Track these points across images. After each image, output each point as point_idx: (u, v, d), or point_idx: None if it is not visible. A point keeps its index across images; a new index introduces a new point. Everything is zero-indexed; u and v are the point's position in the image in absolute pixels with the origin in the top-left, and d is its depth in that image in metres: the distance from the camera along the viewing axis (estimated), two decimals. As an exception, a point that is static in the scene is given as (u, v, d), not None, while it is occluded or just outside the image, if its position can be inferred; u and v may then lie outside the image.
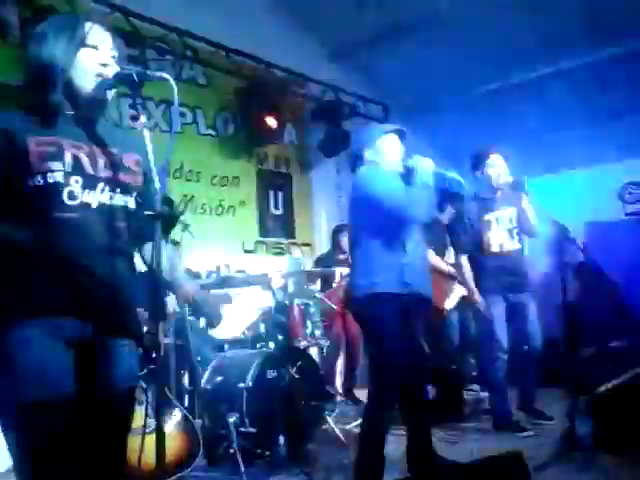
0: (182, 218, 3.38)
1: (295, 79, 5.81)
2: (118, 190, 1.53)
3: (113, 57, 1.57)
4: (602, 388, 3.47)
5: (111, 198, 1.52)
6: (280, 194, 6.09)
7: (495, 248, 3.91)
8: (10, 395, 1.36)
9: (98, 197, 1.49)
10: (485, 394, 4.46)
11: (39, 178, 1.41)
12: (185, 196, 5.00)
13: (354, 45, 5.99)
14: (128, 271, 1.56)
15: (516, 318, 3.91)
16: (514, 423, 3.83)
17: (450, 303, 4.89)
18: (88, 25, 1.55)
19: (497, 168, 3.89)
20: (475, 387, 4.96)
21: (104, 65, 1.53)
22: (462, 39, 5.34)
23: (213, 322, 3.98)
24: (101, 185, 1.50)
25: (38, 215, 1.42)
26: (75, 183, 1.45)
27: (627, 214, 6.14)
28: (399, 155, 2.92)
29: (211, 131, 5.45)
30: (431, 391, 3.99)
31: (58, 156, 1.44)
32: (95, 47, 1.54)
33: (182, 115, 5.10)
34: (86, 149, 1.50)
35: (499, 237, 3.92)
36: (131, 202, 1.56)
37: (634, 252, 5.73)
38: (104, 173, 1.51)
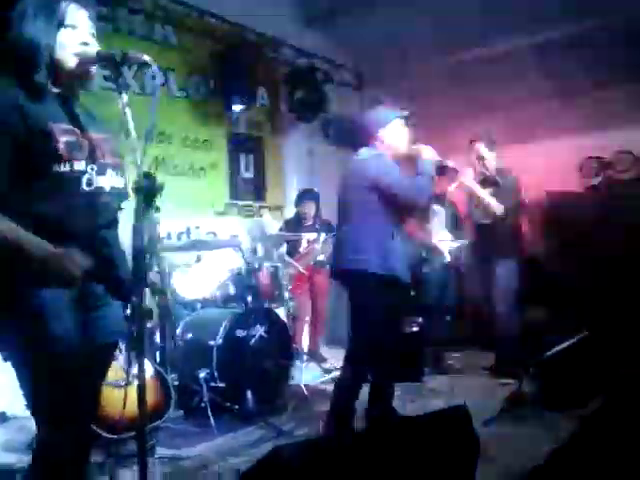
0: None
1: (268, 43, 5.81)
2: (119, 174, 1.70)
3: (92, 34, 1.65)
4: (550, 351, 3.73)
5: (115, 181, 1.69)
6: (251, 157, 6.13)
7: (475, 218, 4.51)
8: (30, 343, 1.54)
9: (108, 181, 1.65)
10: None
11: (66, 165, 1.54)
12: (156, 158, 5.03)
13: (329, 10, 5.99)
14: (117, 239, 1.74)
15: (486, 281, 4.40)
16: None
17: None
18: (65, 4, 1.62)
19: (480, 155, 4.40)
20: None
21: (85, 44, 1.61)
22: (437, 6, 5.41)
23: None
24: (109, 171, 1.66)
25: (60, 198, 1.56)
26: (91, 170, 1.60)
27: (586, 188, 6.38)
28: (406, 140, 3.10)
29: (183, 93, 5.44)
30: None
31: (80, 146, 1.58)
32: (74, 27, 1.61)
33: (153, 77, 5.08)
34: (95, 138, 1.64)
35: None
36: (123, 182, 1.73)
37: (587, 223, 6.00)
38: (110, 159, 1.67)
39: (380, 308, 2.93)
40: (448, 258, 5.24)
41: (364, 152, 3.07)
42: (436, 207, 5.40)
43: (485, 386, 4.15)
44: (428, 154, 3.02)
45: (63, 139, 1.53)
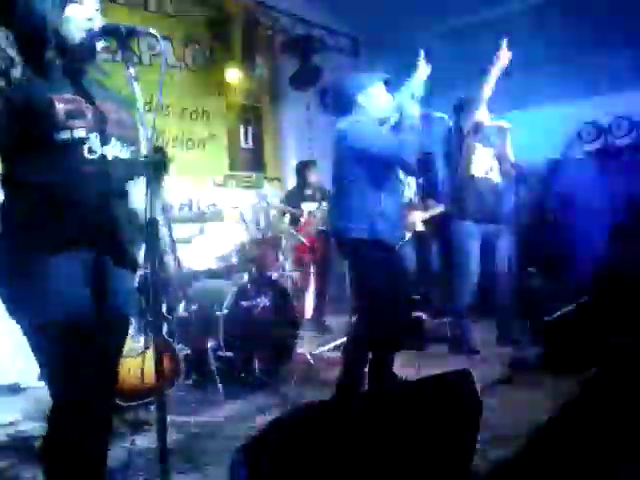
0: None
1: (265, 11, 5.74)
2: (125, 144, 1.71)
3: (97, 10, 1.66)
4: (550, 316, 3.78)
5: (120, 151, 1.69)
6: (250, 128, 6.12)
7: (480, 172, 4.16)
8: (42, 313, 1.56)
9: (111, 150, 1.66)
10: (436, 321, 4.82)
11: (67, 133, 1.56)
12: (155, 129, 5.00)
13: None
14: (127, 212, 1.75)
15: (490, 248, 4.19)
16: (470, 346, 4.16)
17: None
18: None
19: (481, 113, 4.10)
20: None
21: (90, 20, 1.62)
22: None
23: None
24: (113, 140, 1.67)
25: (63, 165, 1.58)
26: (95, 138, 1.62)
27: (585, 153, 6.39)
28: (388, 103, 3.04)
29: (180, 63, 5.40)
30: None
31: (81, 114, 1.59)
32: (80, 2, 1.62)
33: (150, 47, 5.01)
34: (102, 108, 1.65)
35: (484, 163, 4.17)
36: (132, 154, 1.74)
37: (588, 189, 6.04)
38: (115, 129, 1.68)
39: (373, 272, 2.95)
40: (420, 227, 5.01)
41: (343, 120, 3.04)
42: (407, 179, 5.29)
43: (485, 352, 4.20)
44: (410, 109, 2.91)
45: (62, 107, 1.55)
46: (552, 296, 4.75)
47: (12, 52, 1.40)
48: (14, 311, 1.60)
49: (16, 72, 1.39)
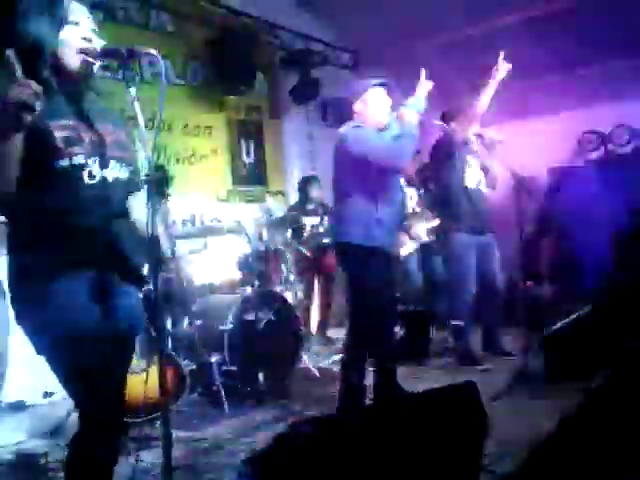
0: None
1: (265, 27, 5.79)
2: (124, 165, 1.72)
3: (94, 31, 1.67)
4: (554, 326, 3.76)
5: (119, 172, 1.71)
6: (252, 142, 6.14)
7: (472, 184, 4.19)
8: (54, 332, 1.58)
9: (111, 173, 1.68)
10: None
11: (66, 161, 1.58)
12: (157, 146, 5.03)
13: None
14: (130, 230, 1.76)
15: (484, 259, 4.19)
16: (475, 358, 4.15)
17: (405, 251, 5.01)
18: (67, 1, 1.64)
19: (469, 123, 4.08)
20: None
21: (87, 40, 1.64)
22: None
23: None
24: (112, 163, 1.68)
25: (64, 191, 1.60)
26: (94, 163, 1.63)
27: (586, 161, 6.40)
28: (386, 107, 3.07)
29: (182, 80, 5.44)
30: (399, 332, 4.26)
31: (79, 140, 1.61)
32: (76, 23, 1.64)
33: (152, 63, 5.05)
34: (96, 131, 1.66)
35: (475, 174, 4.21)
36: (130, 173, 1.76)
37: (590, 197, 6.04)
38: (115, 152, 1.69)
39: (368, 278, 2.97)
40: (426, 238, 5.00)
41: (343, 127, 3.08)
42: (408, 190, 5.28)
43: (489, 364, 4.15)
44: (410, 116, 2.93)
45: (60, 135, 1.57)
46: (554, 306, 4.74)
47: (36, 86, 1.35)
48: (28, 329, 1.63)
49: (39, 106, 1.38)
